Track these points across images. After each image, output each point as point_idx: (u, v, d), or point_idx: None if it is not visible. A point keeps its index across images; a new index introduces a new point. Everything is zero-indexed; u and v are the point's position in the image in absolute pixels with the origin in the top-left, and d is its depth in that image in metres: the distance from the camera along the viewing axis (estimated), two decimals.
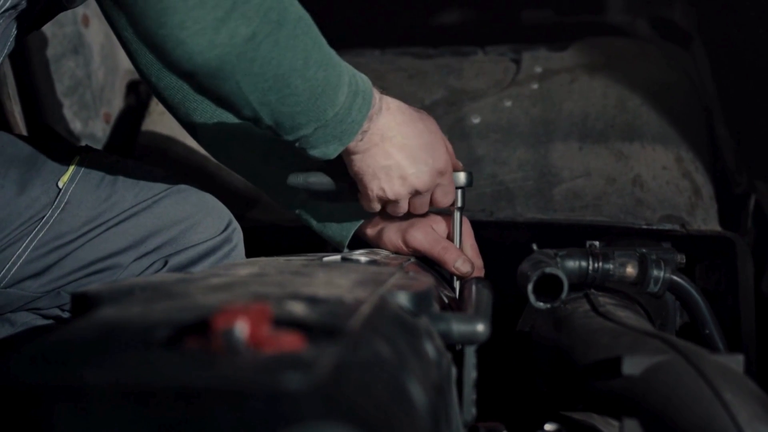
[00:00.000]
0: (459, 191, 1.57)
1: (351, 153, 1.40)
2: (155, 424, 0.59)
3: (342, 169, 1.47)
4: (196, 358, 0.65)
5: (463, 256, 1.56)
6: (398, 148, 1.43)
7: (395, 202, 1.48)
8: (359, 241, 1.64)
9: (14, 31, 1.42)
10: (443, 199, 1.53)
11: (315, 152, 1.35)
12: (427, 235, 1.57)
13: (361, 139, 1.39)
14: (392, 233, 1.59)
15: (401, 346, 0.83)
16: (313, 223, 1.66)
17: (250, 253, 1.67)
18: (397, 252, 1.59)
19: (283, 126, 1.30)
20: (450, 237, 1.60)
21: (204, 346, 0.67)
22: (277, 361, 0.64)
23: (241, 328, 0.66)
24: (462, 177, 1.56)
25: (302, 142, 1.34)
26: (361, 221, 1.62)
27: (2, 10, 1.33)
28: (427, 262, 1.58)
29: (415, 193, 1.47)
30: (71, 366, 0.66)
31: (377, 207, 1.50)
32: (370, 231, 1.62)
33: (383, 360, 0.76)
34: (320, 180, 1.51)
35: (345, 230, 1.63)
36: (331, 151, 1.36)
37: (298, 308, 0.81)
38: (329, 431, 0.58)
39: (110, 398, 0.60)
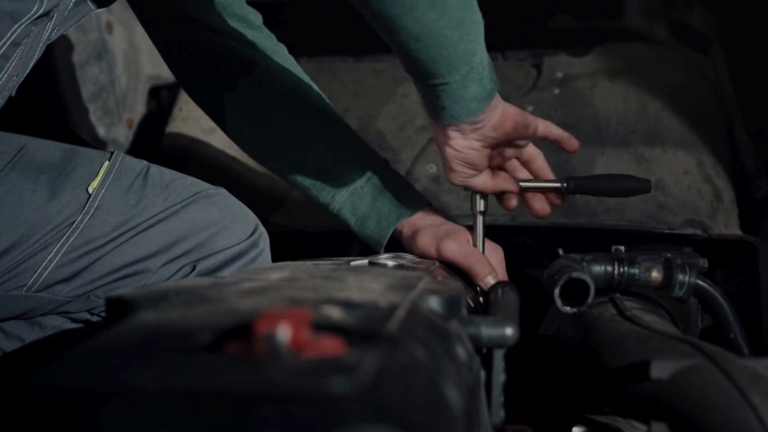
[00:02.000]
0: (480, 196, 1.61)
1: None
2: (202, 428, 0.59)
3: None
4: (240, 362, 0.66)
5: (494, 272, 1.58)
6: None
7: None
8: (395, 243, 1.66)
9: (44, 37, 1.44)
10: None
11: (489, 81, 1.43)
12: (461, 246, 1.59)
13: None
14: (427, 239, 1.61)
15: (436, 350, 0.84)
16: (352, 223, 1.67)
17: (274, 257, 1.68)
18: (423, 257, 1.61)
19: (478, 37, 1.37)
20: (474, 242, 1.62)
21: (246, 351, 0.68)
22: (321, 366, 0.65)
23: (284, 333, 0.67)
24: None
25: (483, 52, 1.40)
26: (399, 222, 1.64)
27: (36, 16, 1.34)
28: (451, 268, 1.59)
29: None
30: (118, 370, 0.66)
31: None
32: (407, 233, 1.64)
33: (420, 363, 0.77)
34: None
35: (383, 230, 1.65)
36: (493, 72, 1.46)
37: (335, 313, 0.82)
38: None
39: (157, 402, 0.61)
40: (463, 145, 1.50)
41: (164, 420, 0.60)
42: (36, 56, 1.45)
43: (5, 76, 1.40)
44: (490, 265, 1.59)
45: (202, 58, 1.69)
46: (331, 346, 0.69)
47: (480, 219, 1.62)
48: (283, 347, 0.67)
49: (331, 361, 0.66)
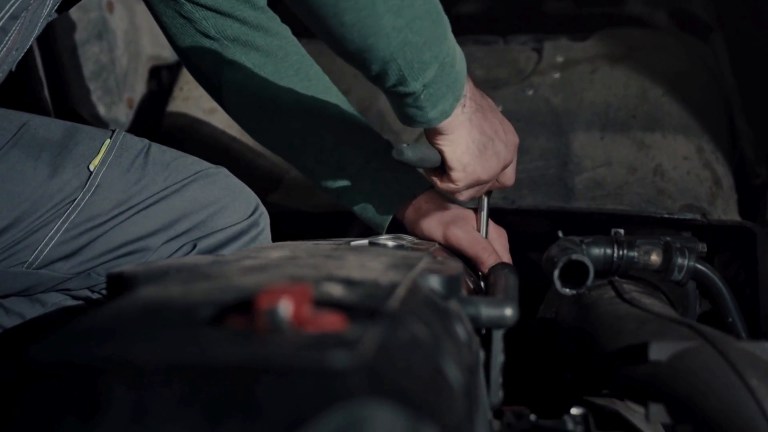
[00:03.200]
0: None
1: (448, 126, 1.40)
2: (206, 400, 0.60)
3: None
4: (242, 336, 0.67)
5: (499, 259, 1.58)
6: (489, 120, 1.47)
7: (481, 185, 1.52)
8: (397, 225, 1.66)
9: (44, 12, 1.44)
10: (512, 179, 1.61)
11: (434, 112, 1.35)
12: (468, 234, 1.59)
13: (464, 105, 1.40)
14: (433, 224, 1.61)
15: (436, 328, 0.84)
16: (354, 205, 1.67)
17: (274, 237, 1.68)
18: (430, 240, 1.61)
19: (412, 66, 1.27)
20: (478, 226, 1.62)
21: (248, 325, 0.69)
22: (322, 340, 0.65)
23: (285, 308, 0.68)
24: None
25: (426, 92, 1.32)
26: (402, 204, 1.63)
27: None
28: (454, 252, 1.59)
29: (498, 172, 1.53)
30: (122, 343, 0.67)
31: (462, 189, 1.50)
32: (410, 216, 1.64)
33: (421, 340, 0.77)
34: (430, 154, 1.46)
35: (385, 213, 1.65)
36: (448, 108, 1.36)
37: (336, 290, 0.82)
38: (375, 408, 0.59)
39: (160, 375, 0.62)
40: None
41: (165, 393, 0.60)
42: (36, 31, 1.45)
43: (4, 49, 1.40)
44: (495, 252, 1.59)
45: (204, 38, 1.68)
46: (332, 321, 0.69)
47: (485, 201, 1.62)
48: (284, 322, 0.67)
49: (332, 336, 0.67)
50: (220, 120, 2.35)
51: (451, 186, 1.49)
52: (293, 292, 0.69)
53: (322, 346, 0.64)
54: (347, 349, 0.63)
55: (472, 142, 1.45)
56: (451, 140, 1.43)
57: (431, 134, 1.43)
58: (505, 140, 1.51)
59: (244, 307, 0.72)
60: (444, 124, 1.39)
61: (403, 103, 1.35)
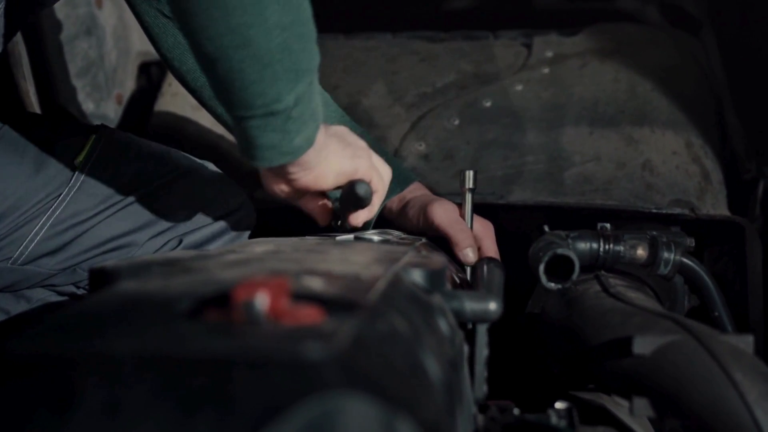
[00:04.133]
0: (470, 173, 1.60)
1: (314, 151, 1.24)
2: (180, 392, 0.60)
3: None
4: (218, 329, 0.67)
5: (475, 246, 1.58)
6: (341, 136, 1.33)
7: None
8: (384, 221, 1.66)
9: (25, 7, 1.43)
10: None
11: (300, 137, 1.18)
12: (447, 212, 1.59)
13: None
14: (415, 208, 1.62)
15: (416, 321, 0.84)
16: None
17: (260, 233, 1.68)
18: (414, 226, 1.61)
19: (288, 75, 1.12)
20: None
21: (225, 318, 0.69)
22: (298, 333, 0.65)
23: (262, 301, 0.67)
24: (471, 174, 1.63)
25: (297, 109, 1.14)
26: (389, 199, 1.63)
27: None
28: (437, 242, 1.59)
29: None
30: (97, 336, 0.67)
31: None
32: (395, 207, 1.64)
33: (400, 334, 0.77)
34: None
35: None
36: (313, 132, 1.21)
37: (315, 283, 0.82)
38: (350, 401, 0.59)
39: (136, 367, 0.61)
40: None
41: (140, 385, 0.60)
42: (18, 26, 1.44)
43: None
44: (473, 238, 1.59)
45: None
46: (309, 314, 0.69)
47: (469, 196, 1.63)
48: (261, 315, 0.67)
49: (309, 328, 0.66)
50: (209, 116, 2.34)
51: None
52: (271, 285, 0.69)
53: (298, 338, 0.64)
54: (322, 341, 0.63)
55: (338, 146, 1.31)
56: (322, 161, 1.28)
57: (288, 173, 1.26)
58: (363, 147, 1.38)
59: (222, 300, 0.72)
60: (310, 152, 1.23)
61: (267, 127, 1.15)
